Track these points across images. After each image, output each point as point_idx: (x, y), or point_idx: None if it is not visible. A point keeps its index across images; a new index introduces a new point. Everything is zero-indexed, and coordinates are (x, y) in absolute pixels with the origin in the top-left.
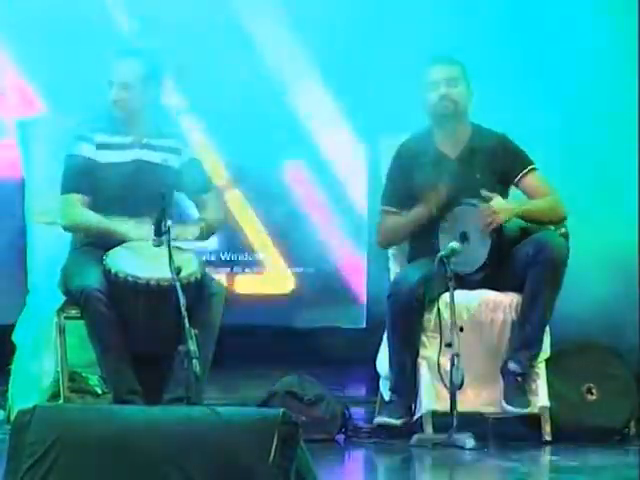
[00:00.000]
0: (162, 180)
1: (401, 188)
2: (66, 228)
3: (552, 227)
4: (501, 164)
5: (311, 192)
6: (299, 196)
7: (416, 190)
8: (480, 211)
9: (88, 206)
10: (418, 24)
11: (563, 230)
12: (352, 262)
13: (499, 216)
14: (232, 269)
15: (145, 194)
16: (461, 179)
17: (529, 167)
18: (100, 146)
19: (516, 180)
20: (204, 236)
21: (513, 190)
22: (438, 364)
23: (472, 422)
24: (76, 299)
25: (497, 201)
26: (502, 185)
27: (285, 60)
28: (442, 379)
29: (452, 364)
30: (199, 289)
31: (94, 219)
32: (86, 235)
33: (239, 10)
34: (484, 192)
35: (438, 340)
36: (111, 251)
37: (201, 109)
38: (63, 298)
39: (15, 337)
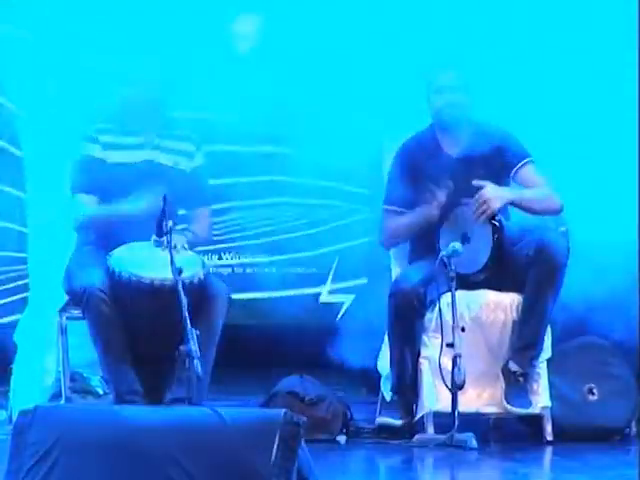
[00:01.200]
0: (172, 183)
1: (404, 187)
2: (80, 228)
3: (552, 226)
4: (500, 159)
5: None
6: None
7: (419, 189)
8: (472, 202)
9: (97, 205)
10: (420, 27)
11: (563, 228)
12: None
13: (492, 204)
14: (233, 269)
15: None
16: (464, 178)
17: (524, 160)
18: (108, 146)
19: (513, 172)
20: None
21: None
22: (439, 364)
23: (473, 422)
24: (78, 299)
25: (490, 188)
26: (503, 178)
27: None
28: (443, 379)
29: (454, 364)
30: (202, 289)
31: (105, 211)
32: (98, 230)
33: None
34: (476, 182)
35: (439, 340)
36: (115, 251)
37: None
38: (65, 298)
39: (17, 337)
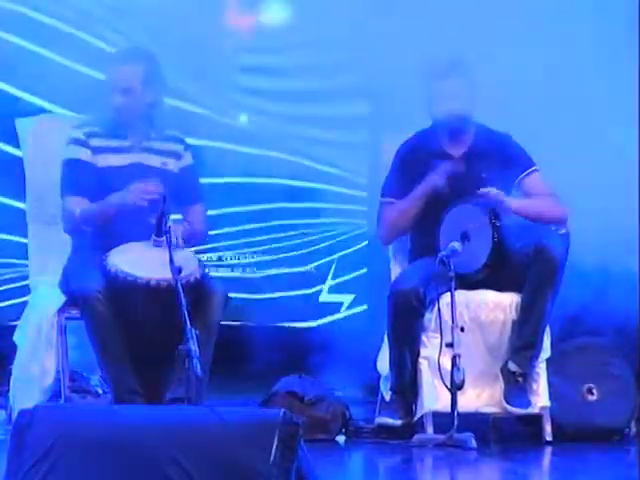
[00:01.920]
0: (162, 184)
1: (404, 182)
2: (68, 231)
3: (552, 227)
4: (504, 164)
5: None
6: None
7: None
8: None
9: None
10: (422, 24)
11: (563, 230)
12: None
13: (500, 196)
14: (232, 269)
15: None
16: (465, 178)
17: (531, 169)
18: (97, 150)
19: (517, 181)
20: (186, 240)
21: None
22: (439, 364)
23: (473, 422)
24: (75, 300)
25: (495, 190)
26: (504, 185)
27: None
28: (442, 379)
29: (453, 364)
30: (199, 289)
31: (91, 207)
32: (86, 223)
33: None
34: (481, 190)
35: (439, 340)
36: (112, 251)
37: None
38: (64, 298)
39: (16, 337)
